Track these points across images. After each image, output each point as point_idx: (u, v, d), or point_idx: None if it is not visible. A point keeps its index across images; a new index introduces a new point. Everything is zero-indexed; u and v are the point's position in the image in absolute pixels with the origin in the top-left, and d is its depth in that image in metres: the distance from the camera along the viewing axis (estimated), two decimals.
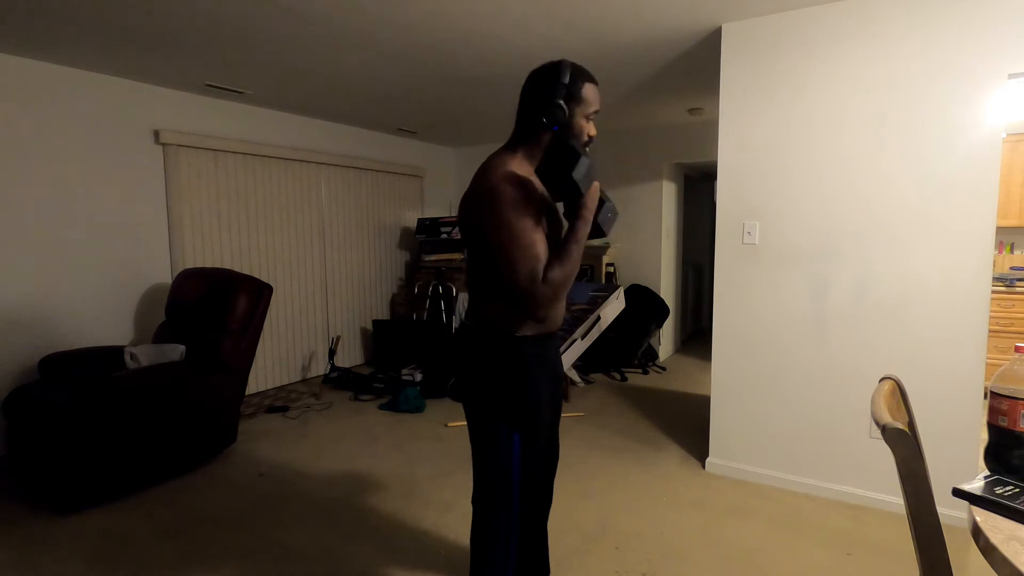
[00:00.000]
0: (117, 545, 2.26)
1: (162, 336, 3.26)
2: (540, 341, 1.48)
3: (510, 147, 1.46)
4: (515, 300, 1.35)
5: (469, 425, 1.53)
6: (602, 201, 1.44)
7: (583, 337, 4.18)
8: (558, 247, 1.37)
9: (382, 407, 4.04)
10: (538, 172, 1.38)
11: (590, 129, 1.43)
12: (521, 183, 1.35)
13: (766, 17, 2.61)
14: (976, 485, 1.02)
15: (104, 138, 3.46)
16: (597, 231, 1.45)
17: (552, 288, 1.33)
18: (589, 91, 1.41)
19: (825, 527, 2.38)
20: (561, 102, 1.36)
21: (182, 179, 3.85)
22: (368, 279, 5.39)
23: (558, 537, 2.29)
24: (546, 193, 1.45)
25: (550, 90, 1.37)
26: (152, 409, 2.66)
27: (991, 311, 2.79)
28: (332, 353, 4.67)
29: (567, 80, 1.37)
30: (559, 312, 1.51)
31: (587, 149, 1.42)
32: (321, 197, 4.85)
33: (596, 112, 1.43)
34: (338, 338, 4.82)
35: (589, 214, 1.38)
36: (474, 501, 1.56)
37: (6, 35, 2.76)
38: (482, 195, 1.35)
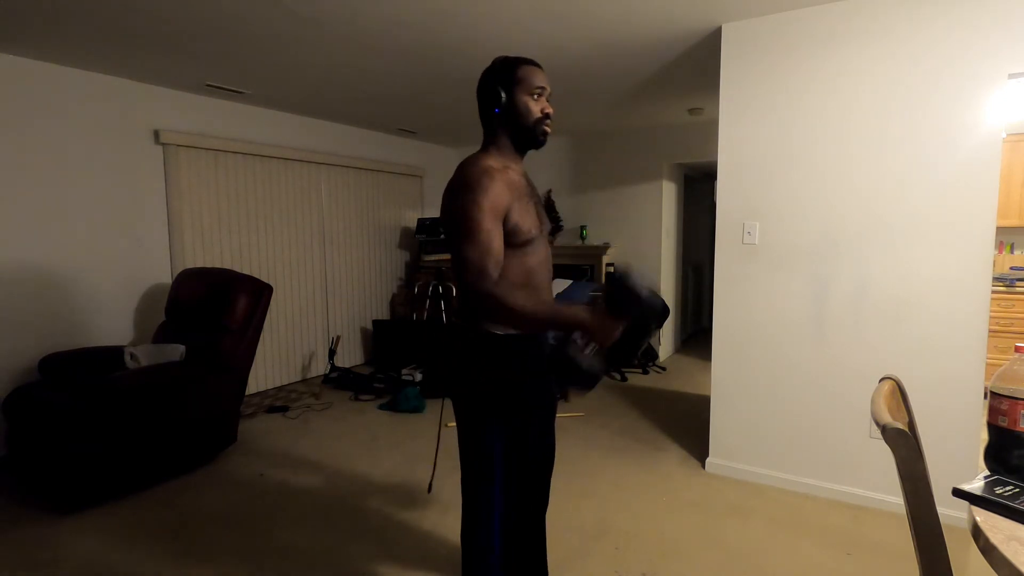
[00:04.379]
0: (117, 545, 2.26)
1: (162, 336, 3.26)
2: (526, 340, 1.49)
3: (483, 149, 1.52)
4: (462, 291, 1.39)
5: (456, 422, 1.56)
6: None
7: None
8: (545, 304, 1.35)
9: (382, 407, 4.04)
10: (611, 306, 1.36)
11: (541, 107, 1.47)
12: (497, 173, 1.40)
13: (766, 17, 2.61)
14: (976, 485, 1.02)
15: (104, 138, 3.46)
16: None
17: (496, 299, 1.32)
18: (525, 71, 1.46)
19: (825, 527, 2.38)
20: (498, 88, 1.45)
21: (182, 179, 3.85)
22: (368, 279, 5.39)
23: (558, 537, 2.29)
24: (524, 182, 1.50)
25: (487, 83, 1.47)
26: (152, 409, 2.66)
27: (991, 311, 2.78)
28: (332, 353, 4.67)
29: (498, 68, 1.47)
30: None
31: (544, 128, 1.47)
32: (321, 197, 4.85)
33: (542, 88, 1.47)
34: (338, 338, 4.82)
35: (592, 329, 1.34)
36: (463, 498, 1.59)
37: (7, 35, 2.76)
38: (455, 185, 1.41)
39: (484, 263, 1.34)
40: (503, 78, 1.45)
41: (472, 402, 1.50)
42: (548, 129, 1.48)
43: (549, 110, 1.47)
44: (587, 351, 1.35)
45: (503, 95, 1.44)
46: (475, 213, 1.34)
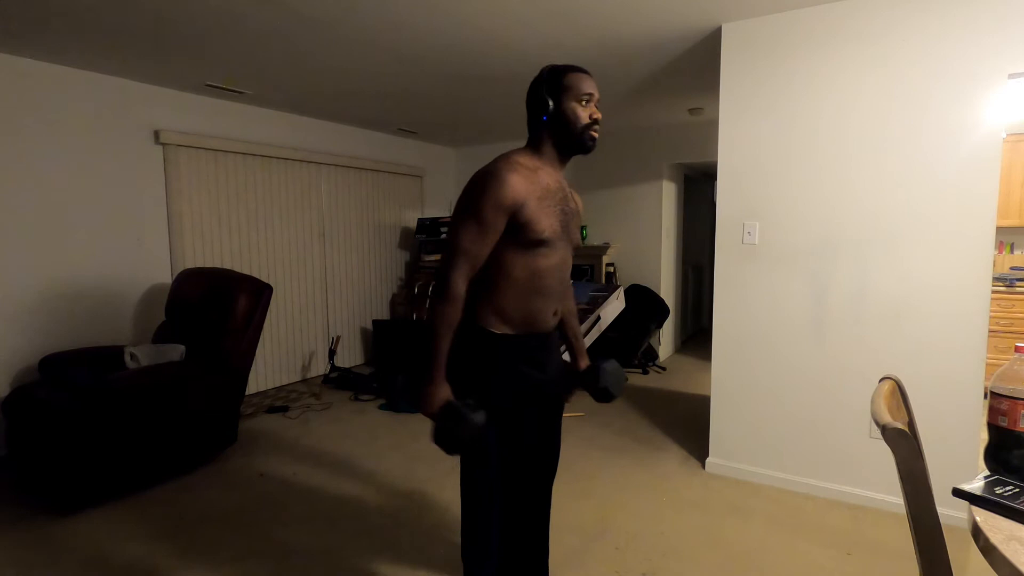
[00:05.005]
0: (117, 545, 2.26)
1: (162, 336, 3.26)
2: (522, 340, 1.49)
3: (523, 147, 1.54)
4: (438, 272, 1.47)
5: None
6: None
7: (583, 337, 4.17)
8: (444, 344, 1.44)
9: (382, 407, 4.04)
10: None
11: (589, 112, 1.48)
12: (520, 167, 1.42)
13: (766, 17, 2.61)
14: (976, 485, 1.02)
15: (104, 138, 3.46)
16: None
17: (446, 292, 1.41)
18: (572, 79, 1.47)
19: (825, 527, 2.38)
20: (545, 96, 1.47)
21: (182, 179, 3.85)
22: (368, 279, 5.39)
23: (558, 537, 2.29)
24: (556, 187, 1.50)
25: (535, 90, 1.50)
26: (152, 409, 2.66)
27: (991, 311, 2.78)
28: (332, 353, 4.67)
29: (547, 76, 1.50)
30: (544, 313, 1.52)
31: (592, 134, 1.49)
32: (321, 197, 4.85)
33: (590, 95, 1.48)
34: (338, 338, 4.82)
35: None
36: (462, 497, 1.60)
37: (6, 35, 2.76)
38: (480, 172, 1.44)
39: (463, 255, 1.40)
40: (551, 86, 1.47)
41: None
42: (596, 135, 1.50)
43: (597, 115, 1.49)
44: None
45: (551, 103, 1.46)
46: (482, 202, 1.38)
